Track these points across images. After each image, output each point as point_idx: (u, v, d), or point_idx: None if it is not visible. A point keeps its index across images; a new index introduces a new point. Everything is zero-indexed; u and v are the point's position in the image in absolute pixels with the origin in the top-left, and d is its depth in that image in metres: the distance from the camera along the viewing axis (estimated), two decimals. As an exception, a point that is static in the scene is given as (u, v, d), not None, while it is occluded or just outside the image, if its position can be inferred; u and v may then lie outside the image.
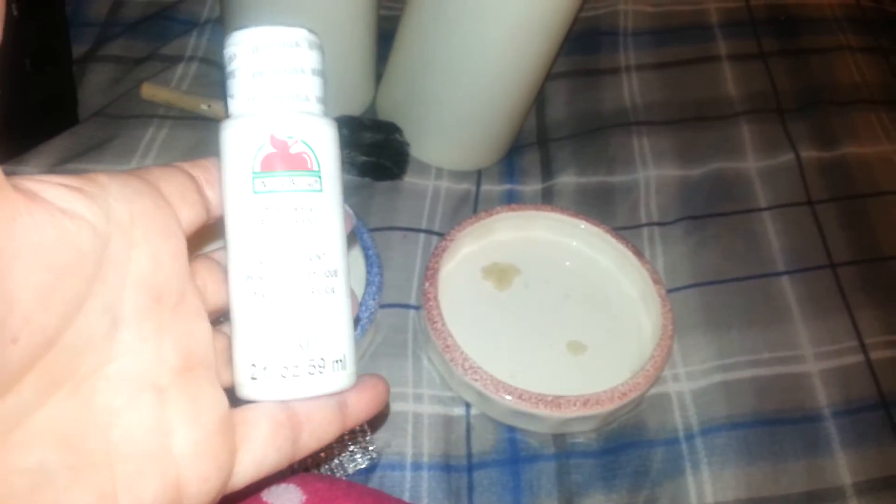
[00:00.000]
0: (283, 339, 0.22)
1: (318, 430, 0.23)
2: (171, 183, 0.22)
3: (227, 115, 0.24)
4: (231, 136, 0.23)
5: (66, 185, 0.18)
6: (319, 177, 0.23)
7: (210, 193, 0.23)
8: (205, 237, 0.35)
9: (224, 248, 0.25)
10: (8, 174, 0.16)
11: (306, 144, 0.23)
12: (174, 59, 0.58)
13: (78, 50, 0.59)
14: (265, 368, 0.22)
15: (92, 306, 0.18)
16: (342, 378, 0.23)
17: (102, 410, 0.18)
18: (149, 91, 0.54)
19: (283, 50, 0.23)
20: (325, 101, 0.24)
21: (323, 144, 0.23)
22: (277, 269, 0.22)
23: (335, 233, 0.24)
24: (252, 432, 0.22)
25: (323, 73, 0.24)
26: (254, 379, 0.22)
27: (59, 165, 0.50)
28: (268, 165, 0.22)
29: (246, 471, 0.21)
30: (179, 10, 0.62)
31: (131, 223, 0.19)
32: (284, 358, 0.22)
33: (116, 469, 0.18)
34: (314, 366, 0.23)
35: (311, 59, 0.23)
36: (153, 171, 0.22)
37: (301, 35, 0.23)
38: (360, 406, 0.24)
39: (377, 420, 0.41)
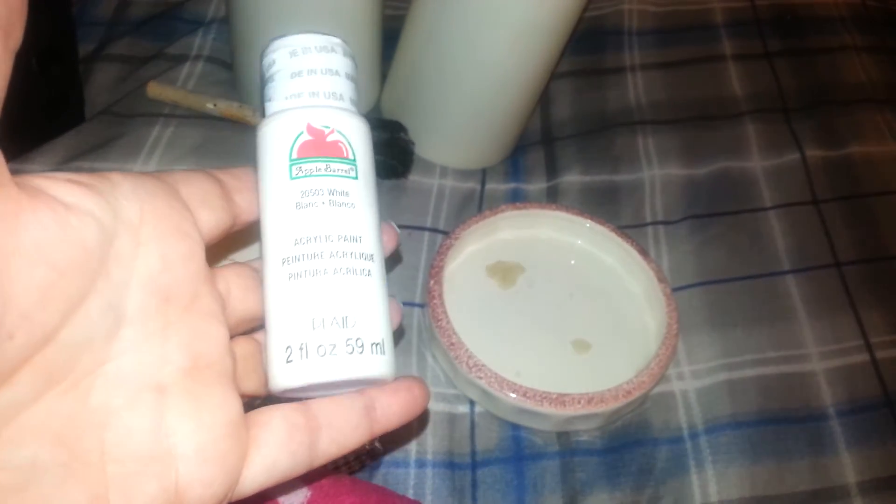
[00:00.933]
0: (319, 318, 0.22)
1: (339, 436, 0.22)
2: (193, 186, 0.22)
3: (267, 112, 0.25)
4: (269, 130, 0.24)
5: (74, 181, 0.18)
6: (355, 165, 0.24)
7: (239, 199, 0.23)
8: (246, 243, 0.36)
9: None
10: (14, 172, 0.16)
11: (342, 134, 0.24)
12: (180, 59, 0.58)
13: (84, 49, 0.59)
14: (301, 348, 0.22)
15: (94, 303, 0.18)
16: (381, 363, 0.23)
17: (99, 409, 0.18)
18: (155, 90, 0.55)
19: (320, 53, 0.24)
20: (357, 104, 0.25)
21: (358, 137, 0.24)
22: (312, 250, 0.22)
23: (370, 220, 0.24)
24: (264, 435, 0.21)
25: (355, 80, 0.25)
26: (289, 362, 0.22)
27: (66, 164, 0.50)
28: (304, 152, 0.23)
29: (256, 475, 0.21)
30: (185, 9, 0.63)
31: (141, 222, 0.19)
32: (321, 336, 0.22)
33: (110, 470, 0.18)
34: (352, 345, 0.22)
35: (345, 64, 0.25)
36: (175, 174, 0.22)
37: (336, 42, 0.25)
38: (392, 411, 0.23)
39: (416, 423, 0.40)
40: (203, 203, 0.22)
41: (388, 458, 0.40)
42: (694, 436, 0.43)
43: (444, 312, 0.43)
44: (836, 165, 0.57)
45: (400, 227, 0.50)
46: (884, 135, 0.59)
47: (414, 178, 0.53)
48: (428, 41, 0.50)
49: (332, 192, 0.23)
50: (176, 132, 0.53)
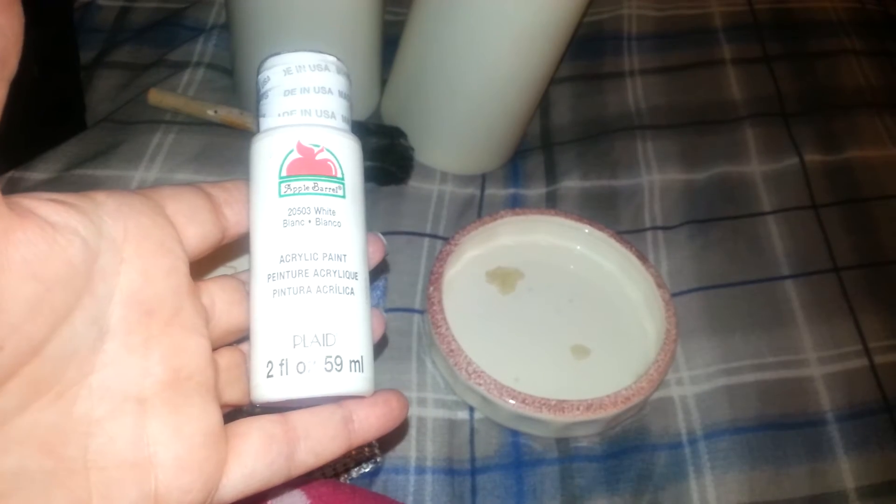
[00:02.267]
0: (300, 335, 0.23)
1: (317, 447, 0.23)
2: (180, 202, 0.22)
3: (260, 129, 0.25)
4: (261, 146, 0.24)
5: (60, 202, 0.19)
6: (343, 184, 0.24)
7: (229, 212, 0.24)
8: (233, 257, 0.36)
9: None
10: (16, 180, 0.17)
11: (331, 153, 0.24)
12: (181, 65, 0.59)
13: (86, 56, 0.59)
14: (281, 364, 0.22)
15: (80, 317, 0.18)
16: (359, 380, 0.23)
17: (82, 419, 0.19)
18: (156, 97, 0.55)
19: (313, 72, 0.24)
20: (350, 122, 0.26)
21: (347, 156, 0.25)
22: (297, 267, 0.23)
23: (356, 239, 0.24)
24: (243, 445, 0.22)
25: (349, 98, 0.25)
26: (269, 377, 0.23)
27: (67, 171, 0.50)
28: (293, 170, 0.24)
29: (235, 484, 0.21)
30: (186, 16, 0.63)
31: (124, 239, 0.20)
32: (301, 353, 0.22)
33: (93, 477, 0.19)
34: (331, 363, 0.23)
35: (339, 82, 0.25)
36: (163, 190, 0.22)
37: (330, 60, 0.25)
38: (369, 422, 0.24)
39: (393, 435, 0.40)
40: (190, 218, 0.22)
41: (387, 464, 0.40)
42: (693, 441, 0.43)
43: (444, 319, 0.43)
44: (836, 170, 0.57)
45: (399, 233, 0.50)
46: (883, 139, 0.59)
47: (413, 183, 0.54)
48: (427, 47, 0.51)
49: (318, 211, 0.23)
50: (177, 139, 0.53)
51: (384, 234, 0.49)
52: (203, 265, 0.28)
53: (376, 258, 0.27)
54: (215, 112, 0.54)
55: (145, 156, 0.52)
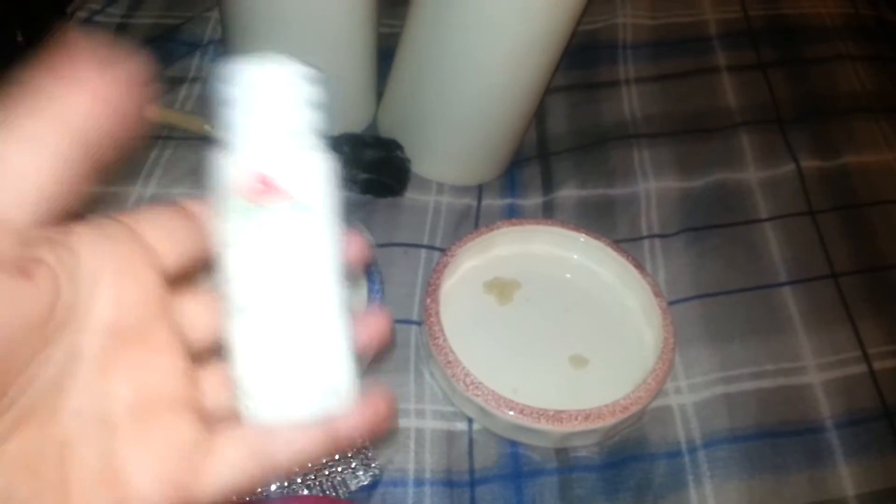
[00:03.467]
0: (268, 365, 0.23)
1: (299, 451, 0.23)
2: (157, 224, 0.22)
3: (222, 148, 0.24)
4: (221, 167, 0.23)
5: (38, 237, 0.19)
6: (307, 204, 0.23)
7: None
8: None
9: None
10: None
11: (293, 172, 0.23)
12: (178, 81, 0.59)
13: (83, 72, 0.60)
14: (249, 391, 0.22)
15: (58, 348, 0.19)
16: (332, 403, 0.23)
17: (59, 443, 0.20)
18: (153, 112, 0.55)
19: (277, 84, 0.23)
20: (318, 132, 0.24)
21: (311, 175, 0.24)
22: (261, 295, 0.23)
23: (324, 260, 0.24)
24: (223, 451, 0.22)
25: (320, 106, 0.24)
26: (239, 401, 0.23)
27: (66, 187, 0.50)
28: (254, 194, 0.23)
29: (213, 490, 0.22)
30: (182, 31, 0.63)
31: (100, 269, 0.20)
32: (269, 384, 0.22)
33: (74, 494, 0.20)
34: (302, 392, 0.23)
35: (306, 92, 0.24)
36: (142, 214, 0.22)
37: (296, 69, 0.23)
38: (355, 426, 0.24)
39: (381, 438, 0.41)
40: (167, 240, 0.22)
41: (386, 477, 0.40)
42: (692, 450, 0.43)
43: (441, 330, 0.43)
44: (832, 176, 0.57)
45: (396, 244, 0.50)
46: (879, 144, 0.60)
47: (410, 195, 0.54)
48: (423, 59, 0.51)
49: (280, 235, 0.23)
50: (174, 154, 0.54)
51: (381, 246, 0.50)
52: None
53: (361, 258, 0.26)
54: (212, 127, 0.54)
55: (143, 171, 0.52)
